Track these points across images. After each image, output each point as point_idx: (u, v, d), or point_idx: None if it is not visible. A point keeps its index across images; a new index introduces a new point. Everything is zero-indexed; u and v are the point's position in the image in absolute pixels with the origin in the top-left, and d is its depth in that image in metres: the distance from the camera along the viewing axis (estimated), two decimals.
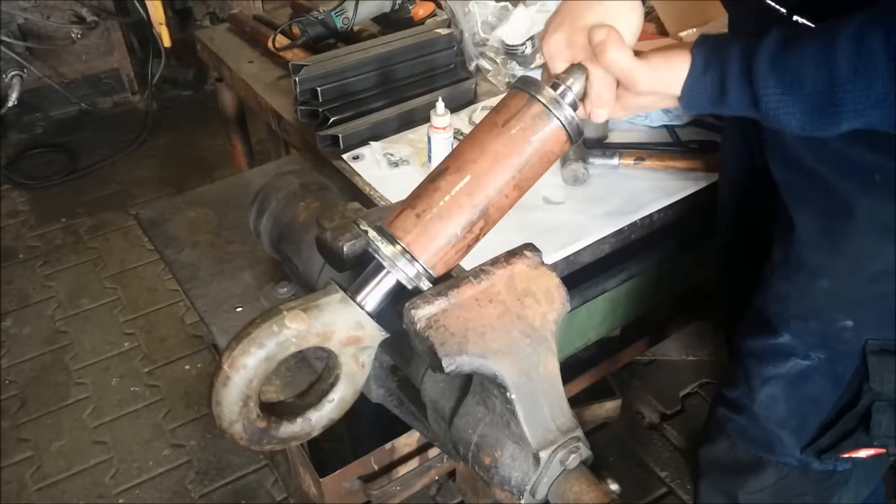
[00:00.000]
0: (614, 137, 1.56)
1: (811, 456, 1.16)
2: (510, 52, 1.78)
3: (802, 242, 1.05)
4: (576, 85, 0.84)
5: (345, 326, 0.80)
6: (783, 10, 0.89)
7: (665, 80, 0.82)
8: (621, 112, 0.88)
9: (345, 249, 0.90)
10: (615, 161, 1.47)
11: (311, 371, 1.18)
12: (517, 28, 1.77)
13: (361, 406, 0.94)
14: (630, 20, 0.85)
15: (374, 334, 0.82)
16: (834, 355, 1.08)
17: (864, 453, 1.13)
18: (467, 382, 0.85)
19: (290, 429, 0.83)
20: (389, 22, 1.97)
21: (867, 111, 0.73)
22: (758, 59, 0.77)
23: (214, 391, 0.77)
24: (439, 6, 2.01)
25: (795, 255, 1.06)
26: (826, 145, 0.94)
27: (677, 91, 0.82)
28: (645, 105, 0.87)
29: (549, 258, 1.27)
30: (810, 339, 1.08)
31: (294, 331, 0.77)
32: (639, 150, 1.50)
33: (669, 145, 1.54)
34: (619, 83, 0.85)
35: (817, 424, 1.13)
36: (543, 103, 0.80)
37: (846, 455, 1.14)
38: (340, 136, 1.52)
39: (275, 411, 0.84)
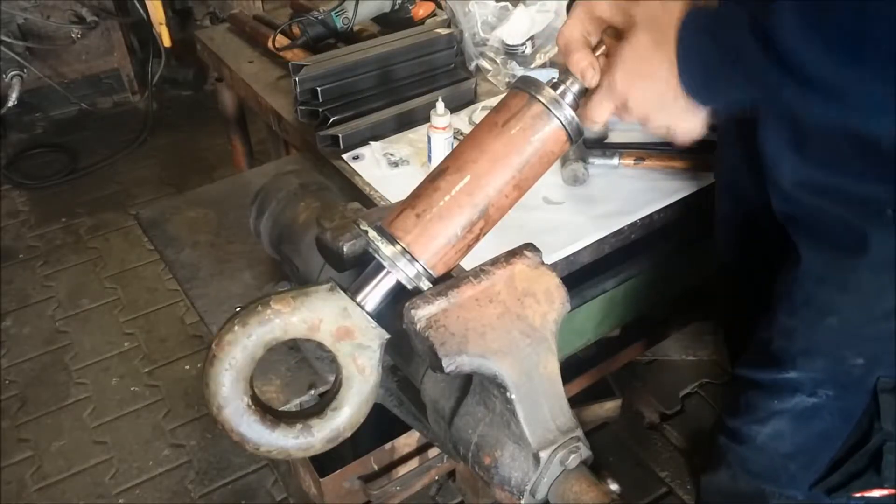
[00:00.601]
0: (614, 137, 1.56)
1: (820, 493, 1.13)
2: (510, 52, 1.78)
3: (809, 278, 1.00)
4: (576, 85, 0.84)
5: (331, 315, 0.79)
6: None
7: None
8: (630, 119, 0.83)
9: (345, 249, 0.90)
10: (615, 161, 1.47)
11: (310, 371, 1.18)
12: (517, 28, 1.77)
13: None
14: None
15: (363, 326, 0.80)
16: (843, 392, 1.05)
17: (877, 493, 1.10)
18: (467, 382, 0.85)
19: (288, 432, 0.81)
20: (389, 22, 1.97)
21: None
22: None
23: (203, 373, 0.79)
24: (439, 6, 2.01)
25: (801, 291, 1.02)
26: (829, 182, 0.90)
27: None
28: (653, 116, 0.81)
29: (549, 258, 1.26)
30: (818, 376, 1.05)
31: (278, 312, 0.78)
32: (639, 150, 1.49)
33: (669, 145, 1.54)
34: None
35: (827, 461, 1.11)
36: (543, 103, 0.80)
37: (858, 495, 1.11)
38: (340, 136, 1.52)
39: (272, 412, 0.83)
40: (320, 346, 0.81)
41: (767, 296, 1.10)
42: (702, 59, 0.73)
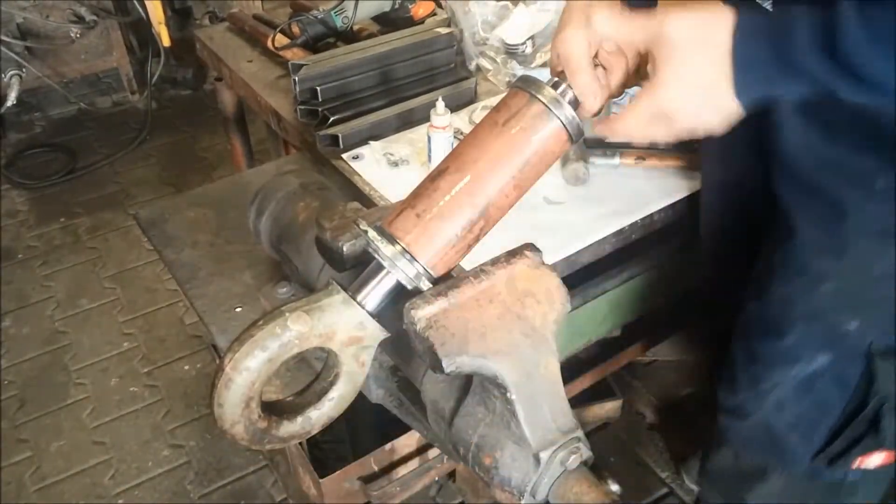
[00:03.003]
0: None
1: (821, 464, 1.14)
2: (510, 52, 1.78)
3: (804, 248, 1.03)
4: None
5: (346, 327, 0.80)
6: None
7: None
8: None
9: (345, 249, 0.90)
10: (616, 160, 1.46)
11: (310, 371, 1.18)
12: (517, 27, 1.77)
13: (361, 406, 0.94)
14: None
15: (376, 334, 0.81)
16: (840, 358, 1.07)
17: (874, 462, 1.11)
18: (467, 383, 0.85)
19: (290, 428, 0.84)
20: (389, 21, 1.96)
21: None
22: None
23: (217, 393, 0.77)
24: (439, 5, 2.01)
25: (797, 260, 1.05)
26: (828, 153, 0.93)
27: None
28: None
29: (550, 258, 1.26)
30: (816, 342, 1.07)
31: (296, 332, 0.77)
32: (639, 149, 1.50)
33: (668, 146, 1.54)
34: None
35: (827, 431, 1.12)
36: (544, 103, 0.80)
37: (856, 465, 1.12)
38: (340, 135, 1.52)
39: (275, 410, 0.84)
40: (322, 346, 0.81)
41: (757, 272, 1.13)
42: (761, 68, 0.71)
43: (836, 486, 1.17)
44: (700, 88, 0.73)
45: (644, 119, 0.78)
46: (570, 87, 0.83)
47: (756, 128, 1.00)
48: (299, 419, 0.83)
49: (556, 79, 0.84)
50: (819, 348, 1.07)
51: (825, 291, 1.04)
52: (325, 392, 0.84)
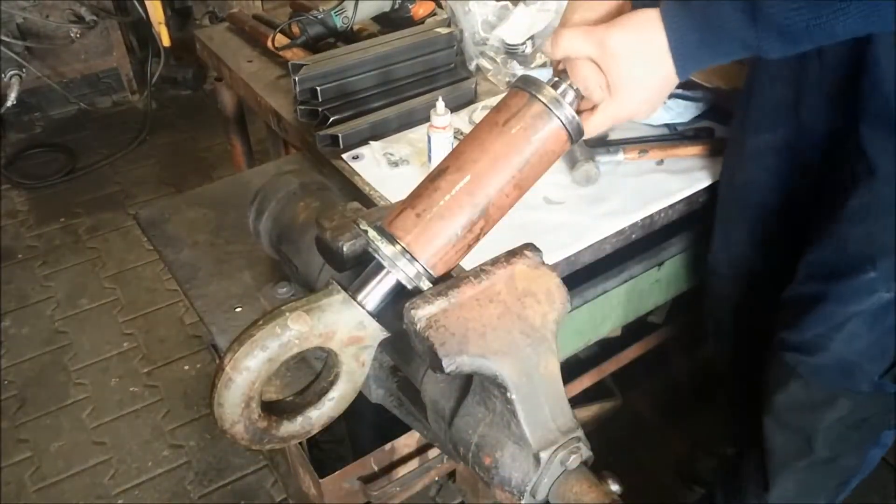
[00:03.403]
0: (615, 136, 1.56)
1: (887, 381, 1.21)
2: (510, 52, 1.78)
3: (889, 185, 1.08)
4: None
5: (347, 327, 0.80)
6: None
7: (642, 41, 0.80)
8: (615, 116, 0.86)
9: (345, 249, 0.90)
10: (620, 156, 1.47)
11: (310, 371, 1.18)
12: (517, 27, 1.77)
13: (361, 406, 0.94)
14: None
15: (376, 334, 0.81)
16: None
17: None
18: (467, 383, 0.85)
19: (290, 428, 0.84)
20: (389, 21, 1.96)
21: None
22: None
23: (216, 393, 0.77)
24: (439, 5, 2.01)
25: (881, 198, 1.10)
26: None
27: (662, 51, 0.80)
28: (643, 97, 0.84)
29: (550, 258, 1.26)
30: (893, 272, 1.12)
31: (296, 332, 0.77)
32: (641, 143, 1.51)
33: (668, 137, 1.55)
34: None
35: (894, 348, 1.18)
36: (544, 103, 0.80)
37: None
38: (340, 135, 1.52)
39: (275, 410, 0.84)
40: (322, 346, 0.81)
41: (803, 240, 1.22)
42: (695, 53, 0.80)
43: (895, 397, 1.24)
44: (652, 90, 0.82)
45: (610, 123, 0.86)
46: (571, 85, 0.83)
47: (839, 83, 1.11)
48: (299, 419, 0.83)
49: (556, 78, 0.84)
50: (894, 278, 1.13)
51: None
52: (325, 392, 0.84)
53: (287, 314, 0.77)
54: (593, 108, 0.86)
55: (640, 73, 0.80)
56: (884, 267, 1.13)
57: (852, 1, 0.71)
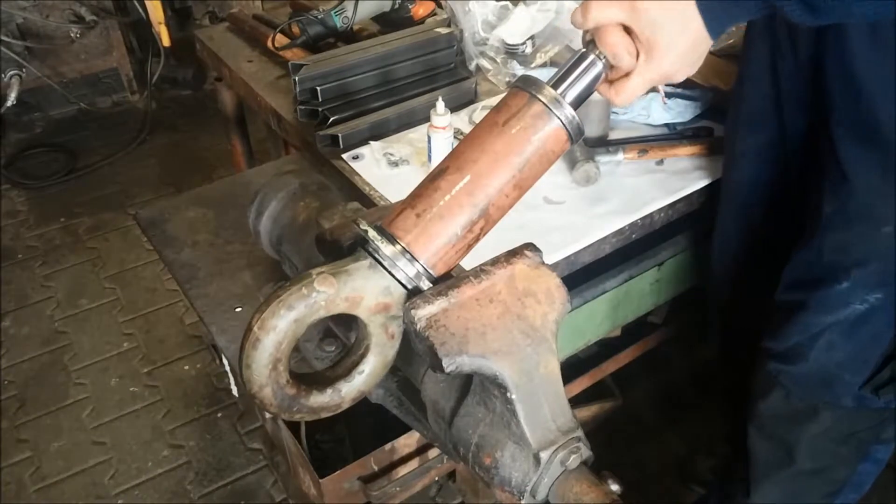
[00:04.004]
0: (615, 136, 1.56)
1: (869, 392, 1.20)
2: (510, 52, 1.78)
3: (863, 193, 1.07)
4: (596, 66, 0.83)
5: (373, 292, 0.80)
6: None
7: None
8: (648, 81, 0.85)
9: (344, 249, 0.90)
10: (620, 156, 1.47)
11: (310, 371, 1.18)
12: (517, 27, 1.77)
13: (361, 406, 0.93)
14: None
15: (401, 300, 0.81)
16: (893, 293, 1.11)
17: None
18: (467, 383, 0.85)
19: (320, 399, 0.83)
20: (389, 21, 1.96)
21: None
22: None
23: (245, 354, 0.77)
24: (439, 5, 2.01)
25: (855, 206, 1.09)
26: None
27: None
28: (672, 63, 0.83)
29: (550, 258, 1.26)
30: (870, 282, 1.11)
31: (324, 294, 0.77)
32: (641, 143, 1.51)
33: (668, 136, 1.55)
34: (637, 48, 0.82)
35: (876, 359, 1.17)
36: (544, 103, 0.80)
37: None
38: (340, 135, 1.52)
39: (305, 381, 0.84)
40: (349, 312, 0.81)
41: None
42: (724, 8, 0.79)
43: (881, 413, 1.23)
44: (685, 49, 0.81)
45: (648, 84, 0.85)
46: (599, 56, 0.83)
47: (812, 84, 1.10)
48: (329, 391, 0.83)
49: (583, 49, 0.84)
50: (873, 288, 1.11)
51: (885, 233, 1.07)
52: (355, 365, 0.83)
53: (314, 276, 0.78)
54: (627, 74, 0.84)
55: (674, 33, 0.80)
56: (858, 277, 1.11)
57: None
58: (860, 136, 1.05)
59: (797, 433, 1.29)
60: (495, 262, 0.82)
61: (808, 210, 1.19)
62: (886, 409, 1.22)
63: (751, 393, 1.35)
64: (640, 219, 1.39)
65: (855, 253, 1.11)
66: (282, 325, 0.76)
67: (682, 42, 0.81)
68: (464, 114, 1.65)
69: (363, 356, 0.83)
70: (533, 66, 1.76)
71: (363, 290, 0.79)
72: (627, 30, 0.81)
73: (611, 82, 0.85)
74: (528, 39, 1.78)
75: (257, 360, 0.77)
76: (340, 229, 0.92)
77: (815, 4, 0.75)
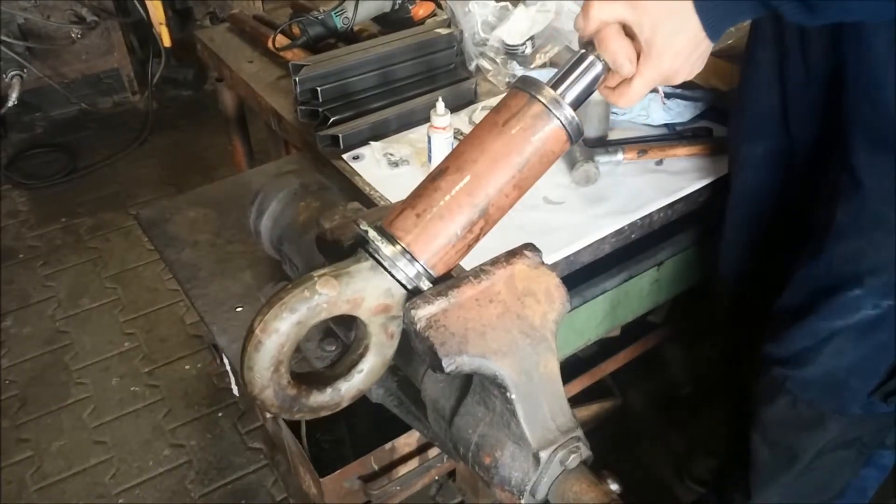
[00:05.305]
0: (614, 136, 1.57)
1: (877, 399, 1.18)
2: (510, 52, 1.78)
3: (877, 201, 1.06)
4: (595, 68, 0.84)
5: (374, 294, 0.80)
6: None
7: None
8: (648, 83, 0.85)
9: (345, 249, 0.90)
10: (619, 157, 1.48)
11: (310, 369, 1.18)
12: (517, 28, 1.77)
13: (361, 406, 0.94)
14: None
15: (402, 301, 0.82)
16: None
17: None
18: (467, 382, 0.85)
19: (320, 398, 0.84)
20: (389, 22, 1.97)
21: None
22: None
23: (246, 356, 0.78)
24: (439, 6, 2.01)
25: (868, 214, 1.08)
26: None
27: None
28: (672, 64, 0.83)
29: (549, 258, 1.27)
30: (882, 290, 1.10)
31: (325, 296, 0.77)
32: (640, 143, 1.51)
33: (667, 137, 1.56)
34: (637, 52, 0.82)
35: (885, 368, 1.16)
36: (544, 103, 0.80)
37: None
38: (340, 135, 1.52)
39: (305, 380, 0.84)
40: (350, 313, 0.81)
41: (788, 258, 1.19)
42: (721, 8, 0.80)
43: (887, 418, 1.22)
44: (687, 47, 0.81)
45: (650, 85, 0.85)
46: (599, 57, 0.83)
47: (825, 93, 1.09)
48: (329, 390, 0.83)
49: (582, 51, 0.84)
50: (884, 296, 1.11)
51: None
52: (354, 364, 0.84)
53: (316, 278, 0.78)
54: (628, 79, 0.85)
55: (672, 32, 0.80)
56: (871, 285, 1.11)
57: None
58: (876, 143, 1.04)
59: (803, 441, 1.28)
60: (495, 262, 0.82)
61: (817, 217, 1.18)
62: (891, 414, 1.21)
63: (754, 399, 1.34)
64: (640, 219, 1.39)
65: (868, 261, 1.10)
66: (284, 328, 0.77)
67: (680, 41, 0.81)
68: (464, 114, 1.65)
69: (362, 355, 0.84)
70: (533, 66, 1.76)
71: (364, 292, 0.80)
72: (628, 33, 0.81)
73: (612, 87, 0.85)
74: (527, 40, 1.78)
75: (259, 362, 0.77)
76: (341, 229, 0.92)
77: (813, 4, 0.74)
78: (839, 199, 1.11)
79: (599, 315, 1.56)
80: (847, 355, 1.17)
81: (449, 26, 1.79)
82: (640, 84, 0.84)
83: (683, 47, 0.81)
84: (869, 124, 1.04)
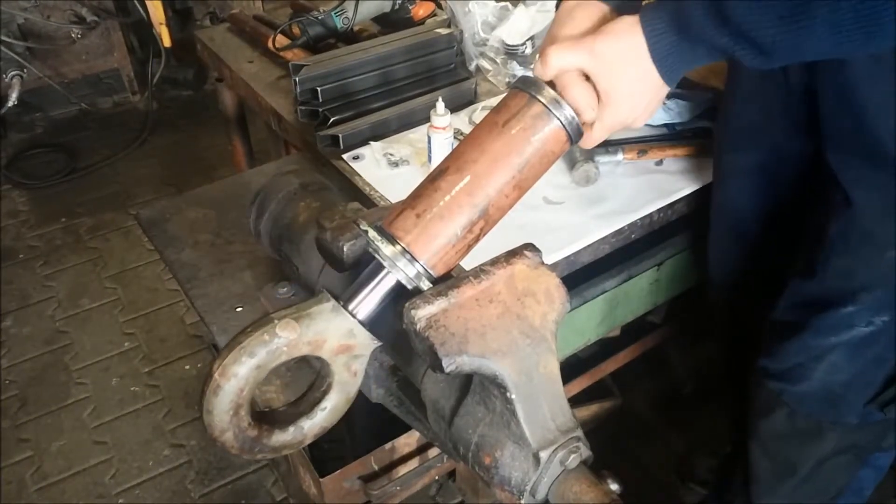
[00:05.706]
0: (614, 136, 1.57)
1: (874, 409, 1.19)
2: (510, 52, 1.78)
3: (865, 217, 1.06)
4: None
5: (336, 335, 0.80)
6: None
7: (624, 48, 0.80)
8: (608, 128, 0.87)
9: (345, 250, 0.90)
10: (619, 157, 1.48)
11: (311, 371, 1.18)
12: (517, 28, 1.77)
13: (361, 406, 0.94)
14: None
15: (366, 343, 0.82)
16: None
17: None
18: (467, 382, 0.85)
19: (281, 438, 0.84)
20: (389, 22, 1.97)
21: None
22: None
23: (205, 400, 0.77)
24: (439, 6, 2.02)
25: (858, 231, 1.07)
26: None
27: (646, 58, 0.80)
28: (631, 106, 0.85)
29: (549, 258, 1.27)
30: (875, 306, 1.10)
31: (285, 339, 0.77)
32: (640, 143, 1.51)
33: (667, 137, 1.56)
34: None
35: (881, 379, 1.16)
36: (543, 103, 0.81)
37: None
38: (340, 135, 1.52)
39: (266, 420, 0.83)
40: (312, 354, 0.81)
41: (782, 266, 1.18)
42: (675, 55, 0.80)
43: (883, 424, 1.22)
44: (642, 95, 0.83)
45: (609, 131, 0.87)
46: (559, 102, 0.83)
47: (807, 107, 1.08)
48: (291, 429, 0.83)
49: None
50: (878, 312, 1.10)
51: (890, 258, 1.06)
52: (317, 402, 0.83)
53: (275, 321, 0.77)
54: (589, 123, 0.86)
55: (630, 79, 0.81)
56: (864, 301, 1.10)
57: (815, 20, 0.70)
58: (861, 158, 1.03)
59: (802, 453, 1.28)
60: (495, 262, 0.82)
61: (808, 232, 1.17)
62: (888, 421, 1.21)
63: (751, 411, 1.33)
64: (640, 219, 1.39)
65: (860, 278, 1.09)
66: (243, 372, 0.76)
67: (638, 88, 0.82)
68: (464, 114, 1.65)
69: (325, 393, 0.83)
70: (532, 66, 1.76)
71: (326, 333, 0.79)
72: (587, 77, 0.82)
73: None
74: (527, 40, 1.78)
75: (218, 406, 0.77)
76: (341, 230, 0.92)
77: (766, 48, 0.74)
78: (829, 214, 1.11)
79: (599, 315, 1.56)
80: (842, 371, 1.17)
81: (449, 26, 1.79)
82: (600, 130, 0.86)
83: (642, 94, 0.83)
84: (852, 138, 1.03)
